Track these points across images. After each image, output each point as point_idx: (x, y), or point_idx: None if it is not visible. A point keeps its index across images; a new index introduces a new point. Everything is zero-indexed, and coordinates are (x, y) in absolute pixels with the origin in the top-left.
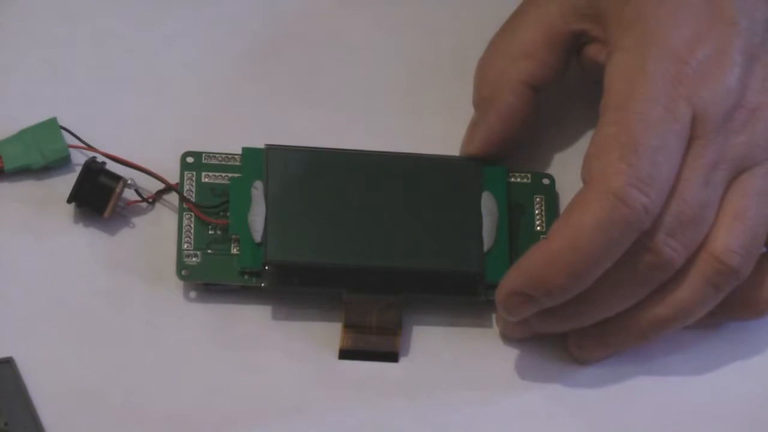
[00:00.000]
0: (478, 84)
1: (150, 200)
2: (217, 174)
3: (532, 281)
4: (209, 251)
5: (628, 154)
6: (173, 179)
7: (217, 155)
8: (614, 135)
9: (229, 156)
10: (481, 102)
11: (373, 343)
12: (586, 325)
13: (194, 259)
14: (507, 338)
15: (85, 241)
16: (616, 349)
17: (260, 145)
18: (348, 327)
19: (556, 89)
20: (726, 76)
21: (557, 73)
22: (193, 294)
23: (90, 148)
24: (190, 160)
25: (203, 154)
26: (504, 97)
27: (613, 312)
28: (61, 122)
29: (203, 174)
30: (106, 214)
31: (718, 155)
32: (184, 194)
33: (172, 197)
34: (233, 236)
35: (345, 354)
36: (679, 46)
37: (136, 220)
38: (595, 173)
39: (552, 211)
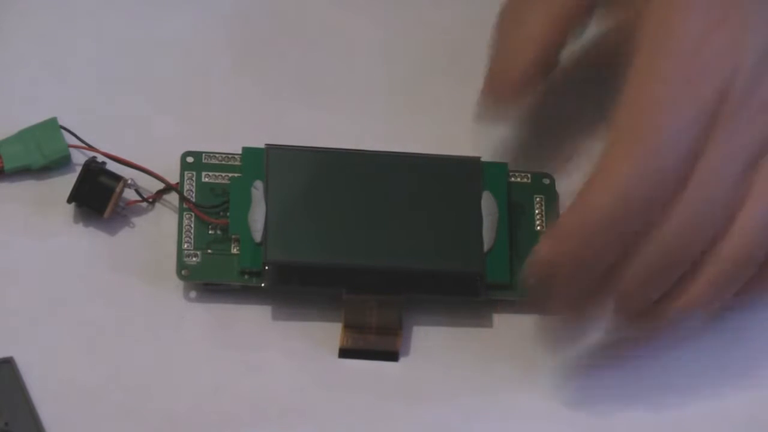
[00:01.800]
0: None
1: (150, 200)
2: (217, 174)
3: (583, 237)
4: (209, 251)
5: (658, 114)
6: (173, 179)
7: (217, 155)
8: (645, 94)
9: (229, 156)
10: (512, 23)
11: (373, 342)
12: (655, 278)
13: (194, 259)
14: (560, 330)
15: (85, 241)
16: (666, 318)
17: (260, 145)
18: (348, 327)
19: (556, 90)
20: (750, 56)
21: (589, 12)
22: (193, 294)
23: (90, 148)
24: (190, 160)
25: (203, 154)
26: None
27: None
28: (61, 122)
29: (203, 174)
30: (106, 214)
31: (742, 136)
32: (184, 194)
33: (172, 197)
34: (233, 236)
35: (345, 353)
36: (703, 23)
37: (136, 220)
38: (624, 127)
39: (552, 211)
